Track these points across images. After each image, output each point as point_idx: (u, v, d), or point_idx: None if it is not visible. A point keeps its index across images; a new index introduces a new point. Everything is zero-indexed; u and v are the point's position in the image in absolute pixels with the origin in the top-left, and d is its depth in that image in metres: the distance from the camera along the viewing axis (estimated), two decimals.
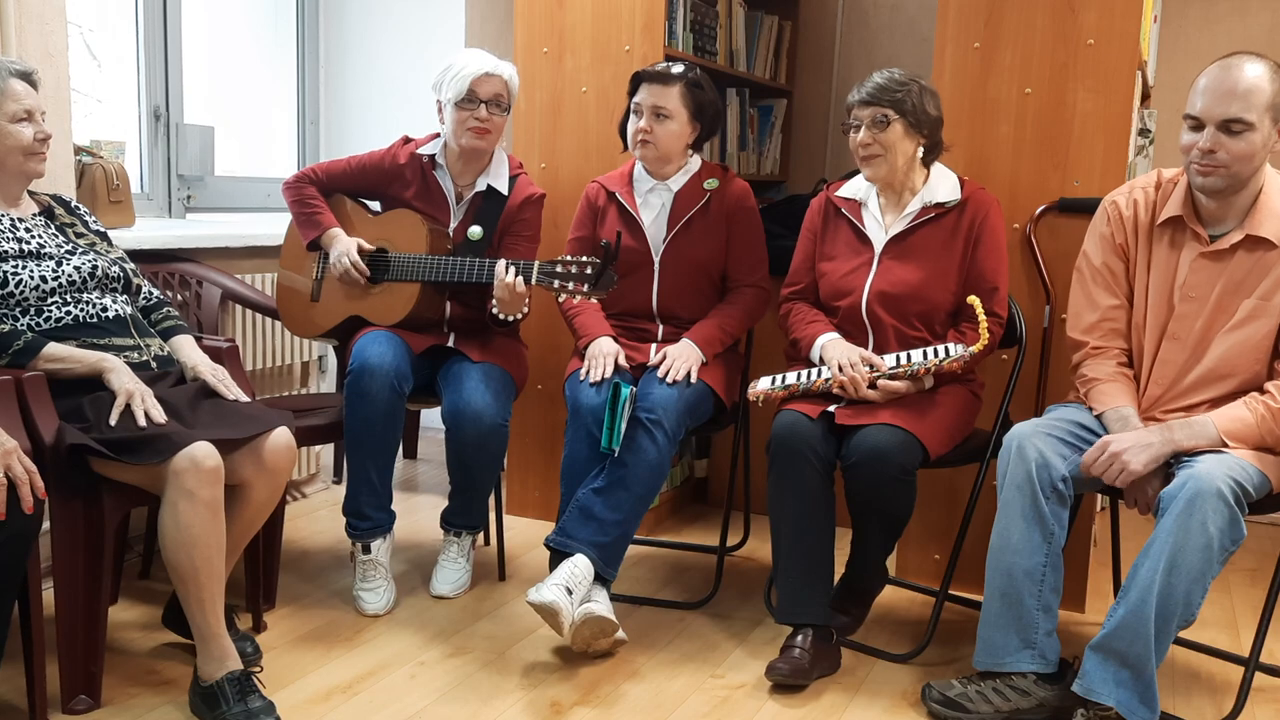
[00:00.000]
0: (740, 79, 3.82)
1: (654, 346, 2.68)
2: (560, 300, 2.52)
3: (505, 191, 2.80)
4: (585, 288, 2.46)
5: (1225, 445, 2.08)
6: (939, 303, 2.46)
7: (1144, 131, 3.19)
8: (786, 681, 2.29)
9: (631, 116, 2.69)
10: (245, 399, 2.31)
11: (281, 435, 2.22)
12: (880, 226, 2.51)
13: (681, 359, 2.57)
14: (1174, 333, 2.21)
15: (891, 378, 2.34)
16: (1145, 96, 3.23)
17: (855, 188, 2.57)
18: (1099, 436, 2.21)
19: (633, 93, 2.69)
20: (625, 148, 2.78)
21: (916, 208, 2.47)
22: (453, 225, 2.80)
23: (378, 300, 2.75)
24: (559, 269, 2.49)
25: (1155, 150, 3.24)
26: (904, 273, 2.46)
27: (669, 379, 2.51)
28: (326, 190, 2.86)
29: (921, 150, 2.45)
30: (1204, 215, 2.20)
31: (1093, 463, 2.11)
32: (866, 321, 2.49)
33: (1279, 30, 3.77)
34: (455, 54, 2.76)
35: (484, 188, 2.79)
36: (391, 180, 2.83)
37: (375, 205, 2.91)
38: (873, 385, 2.34)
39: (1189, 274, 2.20)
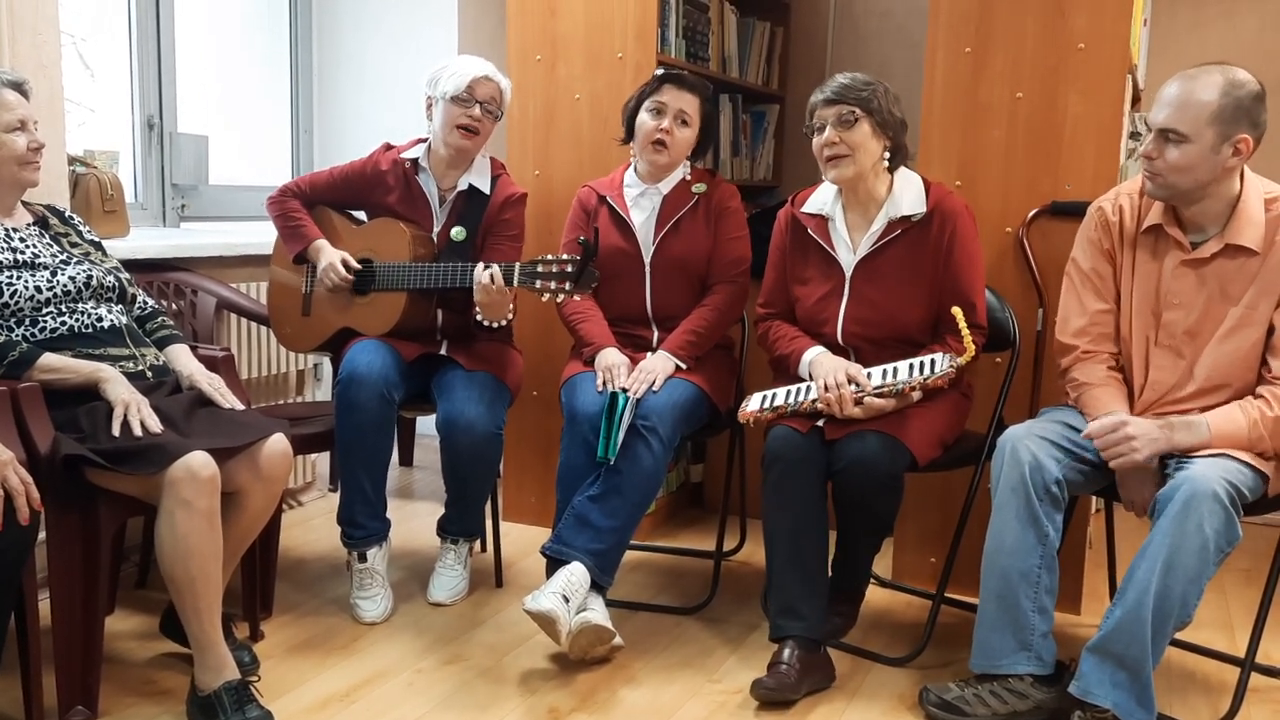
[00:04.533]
0: (733, 85, 3.83)
1: (649, 356, 2.68)
2: (545, 300, 2.52)
3: (487, 191, 2.81)
4: (567, 286, 2.46)
5: (1213, 447, 2.09)
6: (914, 321, 2.44)
7: (1135, 135, 3.21)
8: (773, 698, 2.27)
9: (649, 114, 2.68)
10: (241, 407, 2.31)
11: (278, 443, 2.22)
12: (849, 248, 2.48)
13: (647, 370, 2.57)
14: (1161, 340, 2.22)
15: (878, 395, 2.32)
16: (1135, 100, 3.24)
17: (821, 200, 2.53)
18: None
19: (653, 89, 2.68)
20: (627, 139, 2.76)
21: (882, 225, 2.44)
22: (436, 228, 2.80)
23: (366, 311, 2.75)
24: (539, 269, 2.49)
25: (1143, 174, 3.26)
26: (876, 296, 2.44)
27: (632, 394, 2.49)
28: (310, 202, 2.86)
29: (887, 155, 2.42)
30: (1184, 222, 2.21)
31: (1102, 435, 2.12)
32: (845, 346, 2.48)
33: (1266, 32, 3.79)
34: (456, 56, 2.79)
35: (466, 187, 2.80)
36: (374, 186, 2.83)
37: (361, 215, 2.92)
38: (860, 402, 2.32)
39: (1171, 281, 2.21)
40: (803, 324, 2.56)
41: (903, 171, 2.48)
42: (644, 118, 2.69)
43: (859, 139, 2.37)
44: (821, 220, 2.52)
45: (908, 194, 2.44)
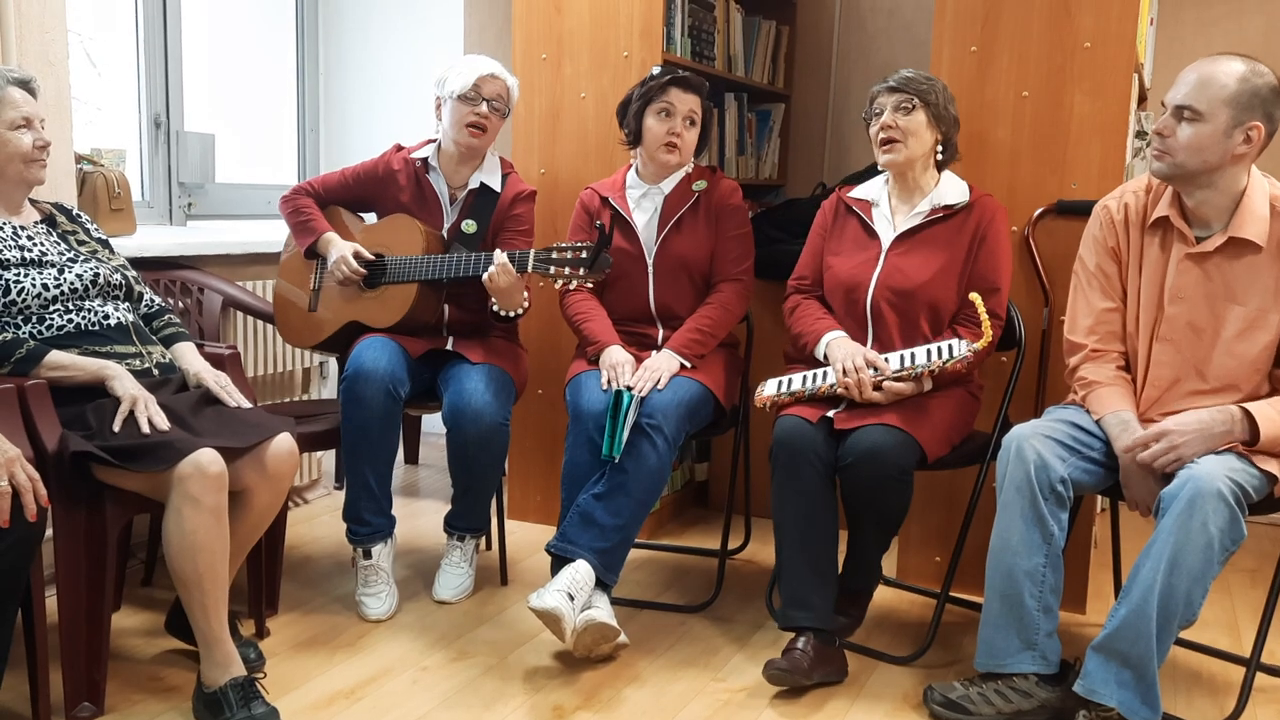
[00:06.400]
0: (738, 84, 3.82)
1: (654, 354, 2.68)
2: (558, 286, 2.53)
3: (498, 188, 2.82)
4: (581, 271, 2.49)
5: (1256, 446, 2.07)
6: (943, 300, 2.47)
7: (1141, 134, 3.20)
8: (783, 680, 2.28)
9: (657, 117, 2.67)
10: (247, 405, 2.32)
11: (284, 442, 2.22)
12: (889, 224, 2.53)
13: (653, 369, 2.58)
14: (1164, 334, 2.22)
15: (896, 379, 2.34)
16: (1142, 99, 3.24)
17: (867, 190, 2.59)
18: (1098, 438, 2.22)
19: (659, 91, 2.67)
20: (635, 143, 2.74)
21: (926, 208, 2.50)
22: (446, 226, 2.81)
23: (374, 303, 2.76)
24: (554, 255, 2.53)
25: (1151, 153, 3.25)
26: (910, 268, 2.47)
27: (638, 392, 2.49)
28: (323, 202, 2.89)
29: (939, 149, 2.48)
30: (1190, 217, 2.21)
31: (1146, 447, 2.10)
32: (869, 317, 2.49)
33: (1274, 32, 3.78)
34: (462, 56, 2.80)
35: (477, 185, 2.81)
36: (385, 186, 2.85)
37: (371, 217, 2.93)
38: (877, 387, 2.35)
39: (1176, 275, 2.21)
40: (830, 290, 2.58)
41: (950, 173, 2.54)
42: (651, 121, 2.69)
43: (914, 126, 2.43)
44: (867, 203, 2.58)
45: (953, 189, 2.51)
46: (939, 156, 2.50)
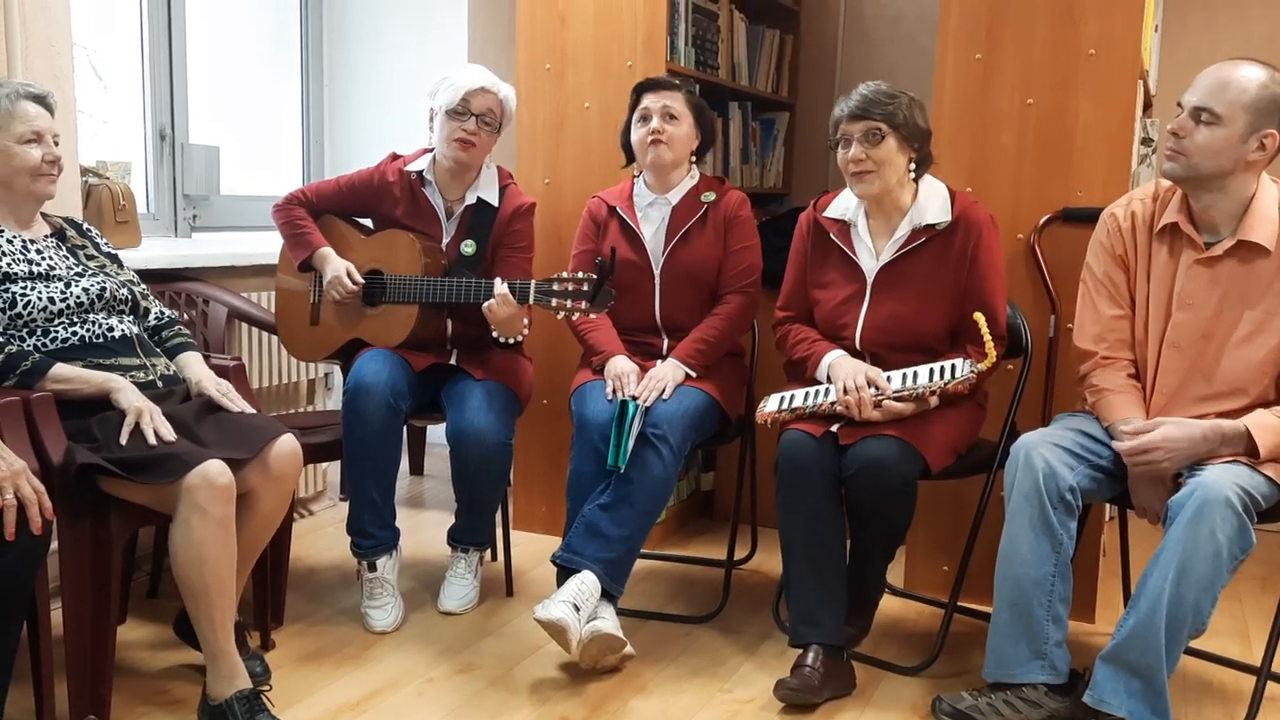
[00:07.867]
0: (742, 93, 3.83)
1: (659, 364, 2.68)
2: (560, 317, 2.52)
3: (495, 203, 2.80)
4: (583, 305, 2.46)
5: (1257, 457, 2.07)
6: (934, 330, 2.44)
7: (1146, 140, 3.20)
8: (796, 699, 2.27)
9: (637, 125, 2.70)
10: (251, 411, 2.32)
11: (287, 443, 2.22)
12: (871, 254, 2.47)
13: (657, 378, 2.57)
14: (1173, 341, 2.22)
15: (896, 399, 2.31)
16: (1147, 106, 3.23)
17: (843, 206, 2.53)
18: (1106, 447, 2.22)
19: (635, 105, 2.71)
20: (628, 161, 2.79)
21: (906, 232, 2.43)
22: (444, 241, 2.80)
23: (377, 323, 2.75)
24: (555, 287, 2.49)
25: (1158, 159, 3.24)
26: (896, 305, 2.43)
27: (643, 401, 2.49)
28: (316, 211, 2.85)
29: (912, 166, 2.42)
30: (1199, 222, 2.21)
31: (1137, 452, 2.11)
32: (863, 352, 2.47)
33: (1278, 38, 3.77)
34: (459, 67, 2.78)
35: (474, 201, 2.79)
36: (381, 198, 2.82)
37: (368, 223, 2.92)
38: (877, 405, 2.32)
39: (1185, 281, 2.20)
40: (821, 327, 2.56)
41: (927, 179, 2.47)
42: (636, 128, 2.70)
43: (885, 155, 2.36)
44: (844, 225, 2.51)
45: (933, 202, 2.43)
46: (913, 173, 2.43)
